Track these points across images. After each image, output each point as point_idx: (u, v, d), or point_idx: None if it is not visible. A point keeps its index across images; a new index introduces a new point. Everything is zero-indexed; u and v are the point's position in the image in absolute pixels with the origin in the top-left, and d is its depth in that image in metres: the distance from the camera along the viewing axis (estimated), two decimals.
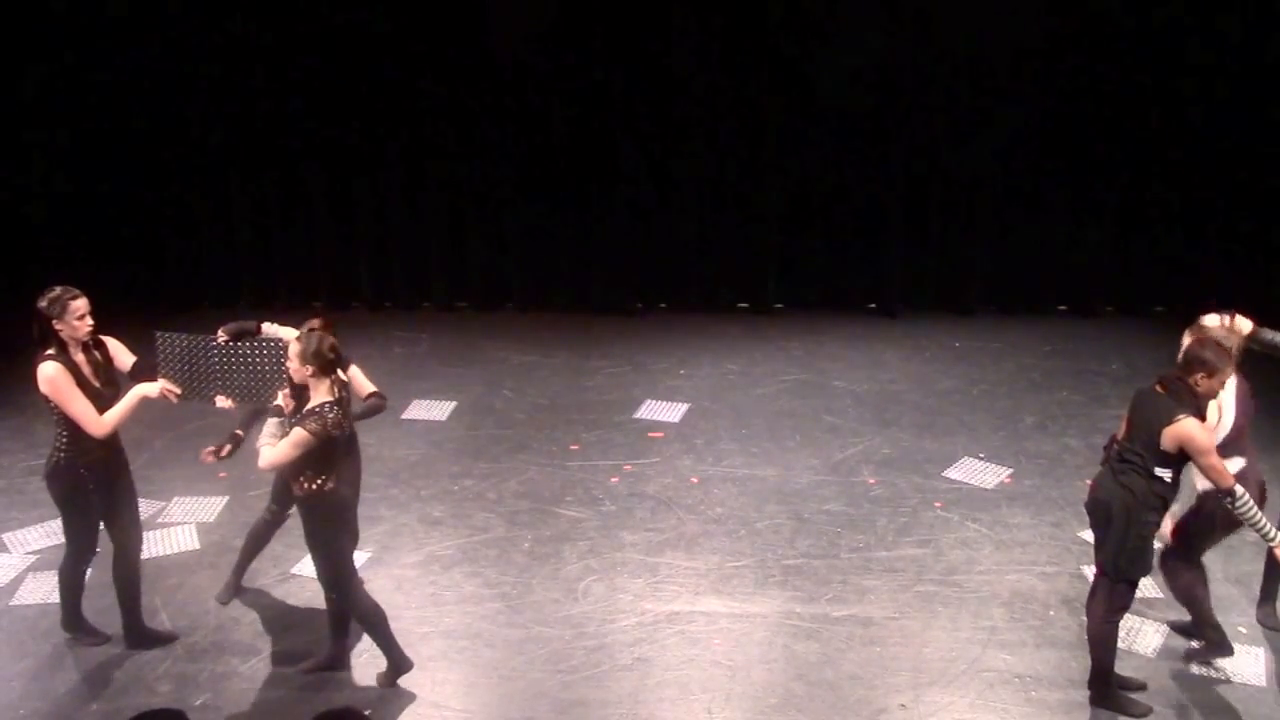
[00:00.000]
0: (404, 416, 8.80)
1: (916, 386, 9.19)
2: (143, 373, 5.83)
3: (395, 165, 10.55)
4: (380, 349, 10.05)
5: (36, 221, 10.63)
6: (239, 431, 6.29)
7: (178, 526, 7.35)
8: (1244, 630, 6.17)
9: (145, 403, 5.72)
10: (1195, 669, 5.98)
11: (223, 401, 5.77)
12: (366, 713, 5.25)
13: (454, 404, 9.00)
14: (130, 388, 5.74)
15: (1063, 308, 10.61)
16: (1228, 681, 5.91)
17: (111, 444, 5.83)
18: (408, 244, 10.82)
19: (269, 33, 10.23)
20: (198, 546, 7.15)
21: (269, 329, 6.03)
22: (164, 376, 5.70)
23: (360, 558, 6.95)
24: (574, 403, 9.00)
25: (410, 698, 5.84)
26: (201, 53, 10.26)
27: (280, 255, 10.87)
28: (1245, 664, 6.01)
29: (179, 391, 5.69)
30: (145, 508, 7.50)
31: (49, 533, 7.10)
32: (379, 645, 5.88)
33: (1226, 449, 5.62)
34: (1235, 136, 9.88)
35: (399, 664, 5.89)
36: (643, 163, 10.39)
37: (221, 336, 5.76)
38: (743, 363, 9.67)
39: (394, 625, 6.32)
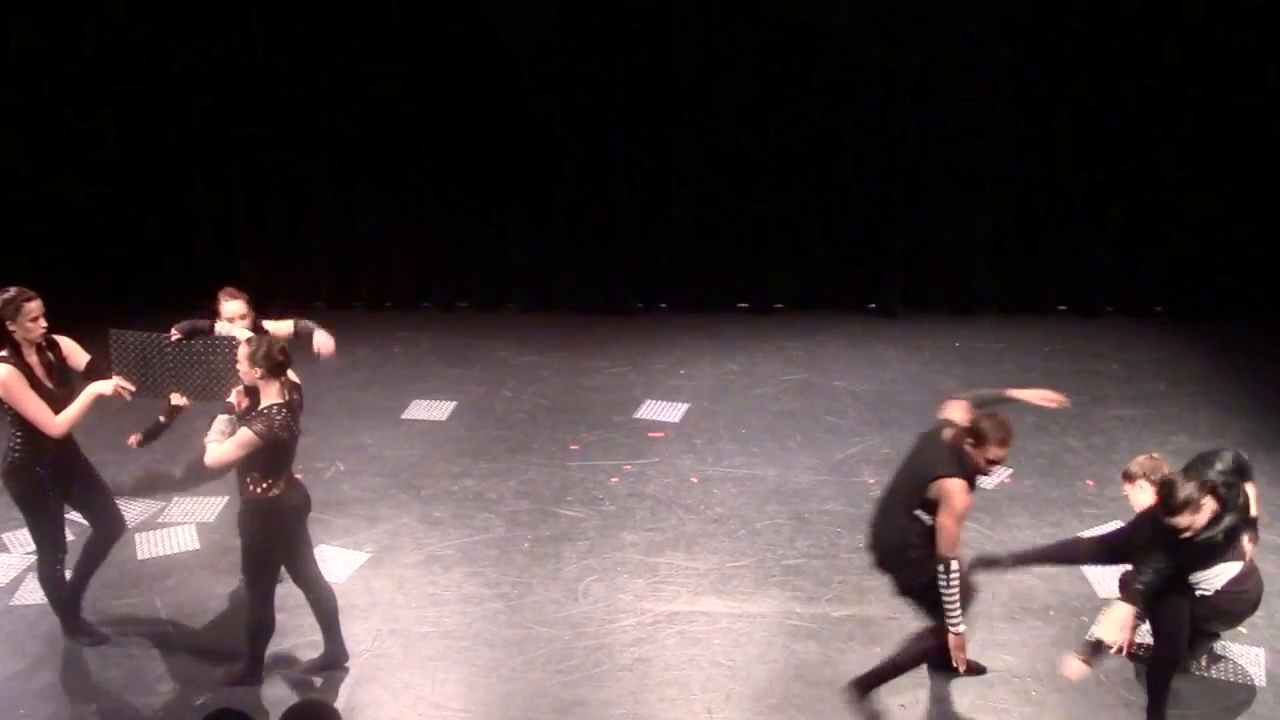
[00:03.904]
0: (404, 416, 8.81)
1: (916, 386, 9.19)
2: (97, 372, 5.88)
3: (396, 165, 10.55)
4: (380, 349, 10.06)
5: (35, 221, 10.62)
6: (162, 419, 6.60)
7: (178, 526, 7.36)
8: (1244, 630, 6.17)
9: (100, 400, 5.76)
10: (1195, 669, 5.98)
11: (177, 399, 5.83)
12: (334, 704, 5.26)
13: (454, 404, 9.00)
14: (85, 386, 5.78)
15: (1063, 308, 10.60)
16: (1228, 681, 5.91)
17: (67, 442, 5.86)
18: (408, 244, 10.82)
19: (269, 31, 10.22)
20: (198, 546, 7.15)
21: (222, 328, 6.08)
22: (118, 374, 5.73)
23: (360, 558, 6.98)
24: (574, 403, 8.99)
25: (410, 698, 5.84)
26: (201, 50, 10.25)
27: (280, 255, 10.87)
28: (1245, 664, 6.01)
29: (132, 388, 5.73)
30: (145, 508, 7.56)
31: None
32: (249, 653, 5.86)
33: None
34: (1237, 137, 9.87)
35: (252, 677, 5.89)
36: (642, 162, 10.38)
37: (174, 335, 5.79)
38: (743, 363, 9.66)
39: (393, 625, 6.36)
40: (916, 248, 10.45)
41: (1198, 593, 5.85)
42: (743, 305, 10.81)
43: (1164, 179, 10.06)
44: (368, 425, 8.64)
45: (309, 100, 10.36)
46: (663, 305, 10.91)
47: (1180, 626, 5.44)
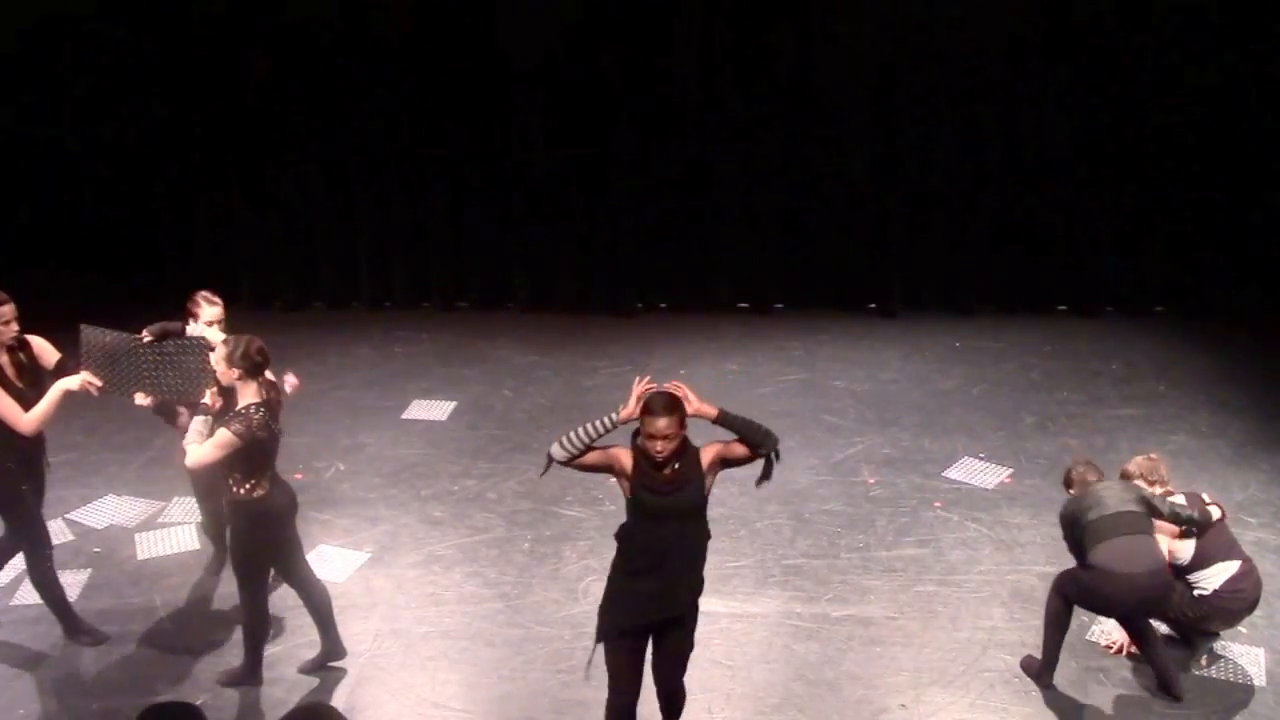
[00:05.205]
0: (404, 416, 8.80)
1: (916, 386, 9.19)
2: (66, 370, 5.92)
3: (396, 165, 10.54)
4: (380, 349, 10.05)
5: (34, 220, 10.63)
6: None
7: (178, 526, 7.36)
8: (1244, 630, 6.17)
9: (69, 397, 5.78)
10: (1195, 670, 5.98)
11: (141, 399, 5.86)
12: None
13: (454, 404, 8.99)
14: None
15: (1063, 308, 10.60)
16: (1228, 681, 5.91)
17: (36, 441, 5.93)
18: (408, 244, 10.82)
19: (270, 30, 10.23)
20: (197, 547, 7.14)
21: (194, 330, 6.09)
22: (86, 368, 5.76)
23: (360, 558, 6.98)
24: (574, 403, 8.98)
25: (410, 698, 5.84)
26: (201, 49, 10.25)
27: (280, 255, 10.86)
28: (1245, 664, 6.01)
29: (100, 384, 5.77)
30: (145, 508, 7.56)
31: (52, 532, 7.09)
32: (247, 653, 5.86)
33: (1212, 557, 5.85)
34: (1237, 137, 9.87)
35: (251, 676, 5.87)
36: (643, 163, 10.38)
37: (146, 336, 5.81)
38: (743, 363, 9.66)
39: (394, 625, 6.36)
40: (916, 248, 10.45)
41: (1195, 592, 5.86)
42: (743, 305, 10.81)
43: (1164, 179, 10.06)
44: (368, 425, 8.64)
45: (309, 100, 10.36)
46: (663, 305, 10.91)
47: None
